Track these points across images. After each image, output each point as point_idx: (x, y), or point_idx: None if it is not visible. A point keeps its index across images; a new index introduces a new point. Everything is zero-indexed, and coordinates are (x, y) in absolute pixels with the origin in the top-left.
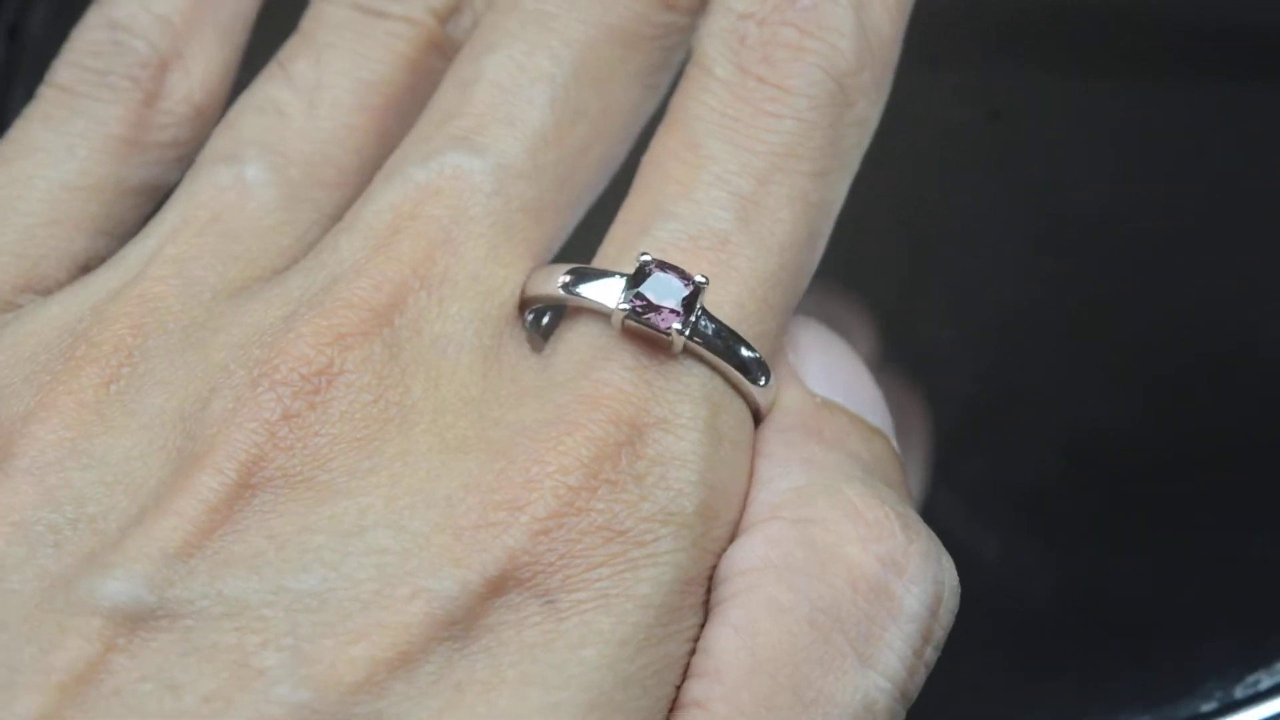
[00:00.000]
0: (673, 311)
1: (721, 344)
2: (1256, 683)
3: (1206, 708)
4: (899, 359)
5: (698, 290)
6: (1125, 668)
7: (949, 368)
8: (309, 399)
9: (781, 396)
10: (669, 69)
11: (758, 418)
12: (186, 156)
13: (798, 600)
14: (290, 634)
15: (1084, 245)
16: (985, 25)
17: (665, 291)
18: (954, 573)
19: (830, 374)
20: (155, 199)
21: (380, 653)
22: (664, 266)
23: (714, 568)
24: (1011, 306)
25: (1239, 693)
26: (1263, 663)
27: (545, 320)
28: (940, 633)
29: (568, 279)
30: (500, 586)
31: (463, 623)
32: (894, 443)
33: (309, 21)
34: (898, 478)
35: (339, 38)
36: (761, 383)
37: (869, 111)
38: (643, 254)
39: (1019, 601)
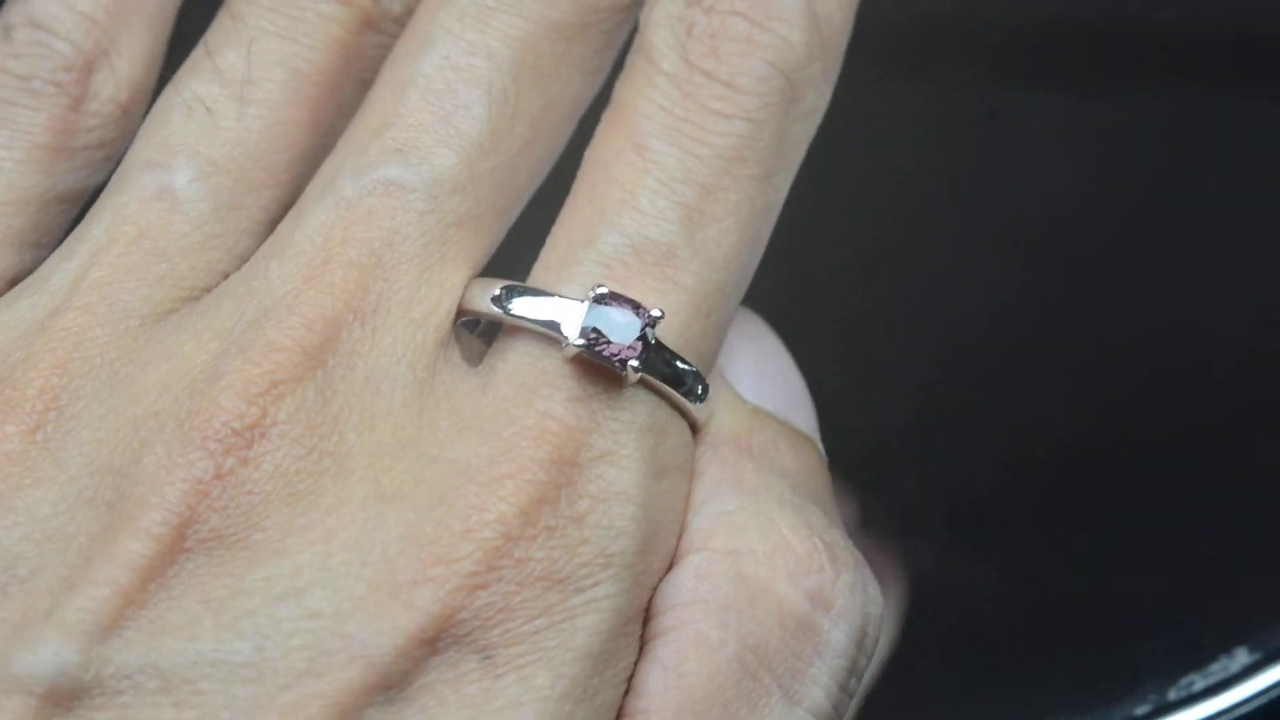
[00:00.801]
0: (629, 348)
1: (668, 370)
2: (1190, 685)
3: (1141, 710)
4: (888, 356)
5: (653, 323)
6: (1060, 671)
7: (898, 373)
8: (241, 455)
9: (715, 406)
10: (611, 51)
11: (694, 431)
12: (114, 157)
13: (726, 637)
14: (227, 707)
15: (1071, 247)
16: (981, 28)
17: (620, 328)
18: (879, 600)
19: (759, 376)
20: (81, 203)
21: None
22: (618, 299)
23: (650, 601)
24: (985, 308)
25: (1173, 695)
26: (1196, 665)
27: (479, 325)
28: (865, 663)
29: (504, 295)
30: (436, 643)
31: (399, 684)
32: (819, 446)
33: (238, 2)
34: (824, 489)
35: (270, 22)
36: (699, 399)
37: (817, 103)
38: (598, 286)
39: (957, 607)
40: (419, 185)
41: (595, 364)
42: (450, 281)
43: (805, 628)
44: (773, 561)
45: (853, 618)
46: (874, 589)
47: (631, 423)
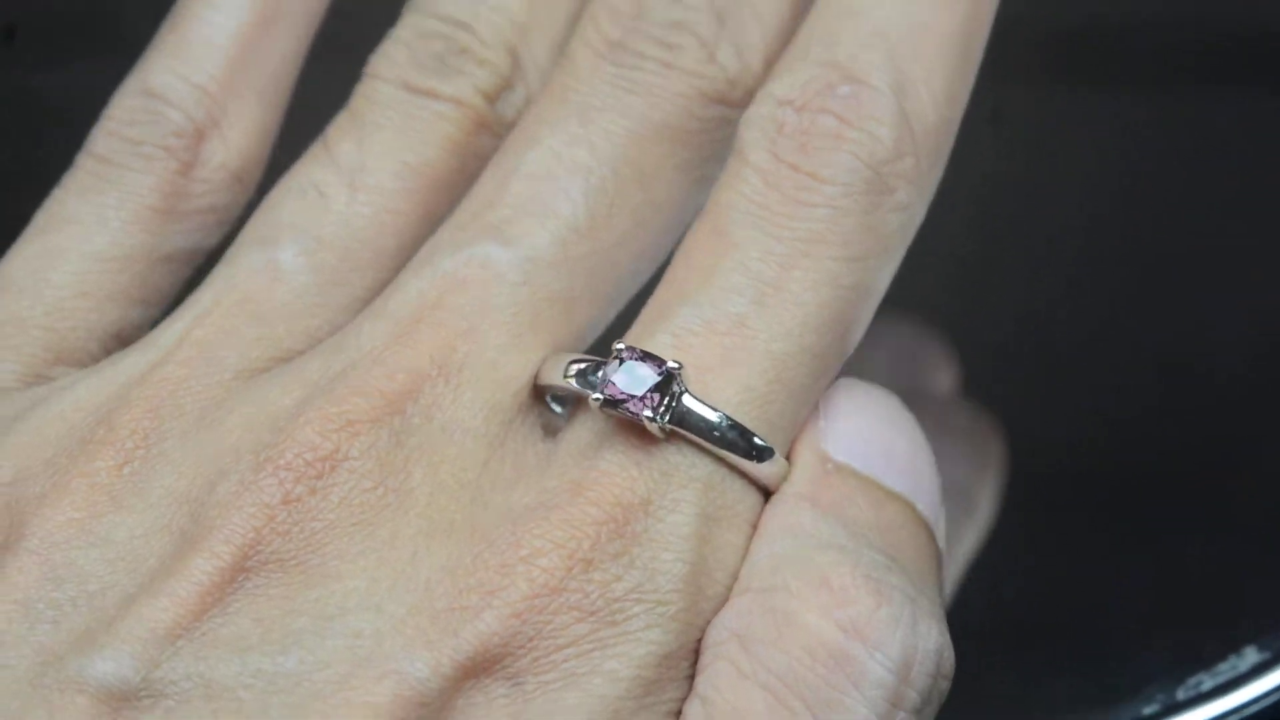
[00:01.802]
0: (642, 400)
1: (709, 426)
2: (1199, 684)
3: (1149, 710)
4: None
5: (670, 376)
6: (1069, 671)
7: (898, 374)
8: (310, 484)
9: (795, 464)
10: (721, 160)
11: (769, 493)
12: (226, 221)
13: (755, 668)
14: (263, 714)
15: (1074, 248)
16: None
17: (633, 380)
18: (935, 637)
19: (855, 437)
20: (193, 264)
21: None
22: (637, 355)
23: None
24: (985, 310)
25: (1181, 694)
26: (1204, 665)
27: (566, 408)
28: (915, 696)
29: (570, 367)
30: (471, 670)
31: (433, 705)
32: (918, 507)
33: (357, 99)
34: (910, 545)
35: (386, 118)
36: (761, 459)
37: (912, 197)
38: (618, 344)
39: (962, 606)
40: (513, 260)
41: (637, 425)
42: (536, 354)
43: (838, 658)
44: (804, 595)
45: (892, 650)
46: (927, 626)
47: (671, 475)
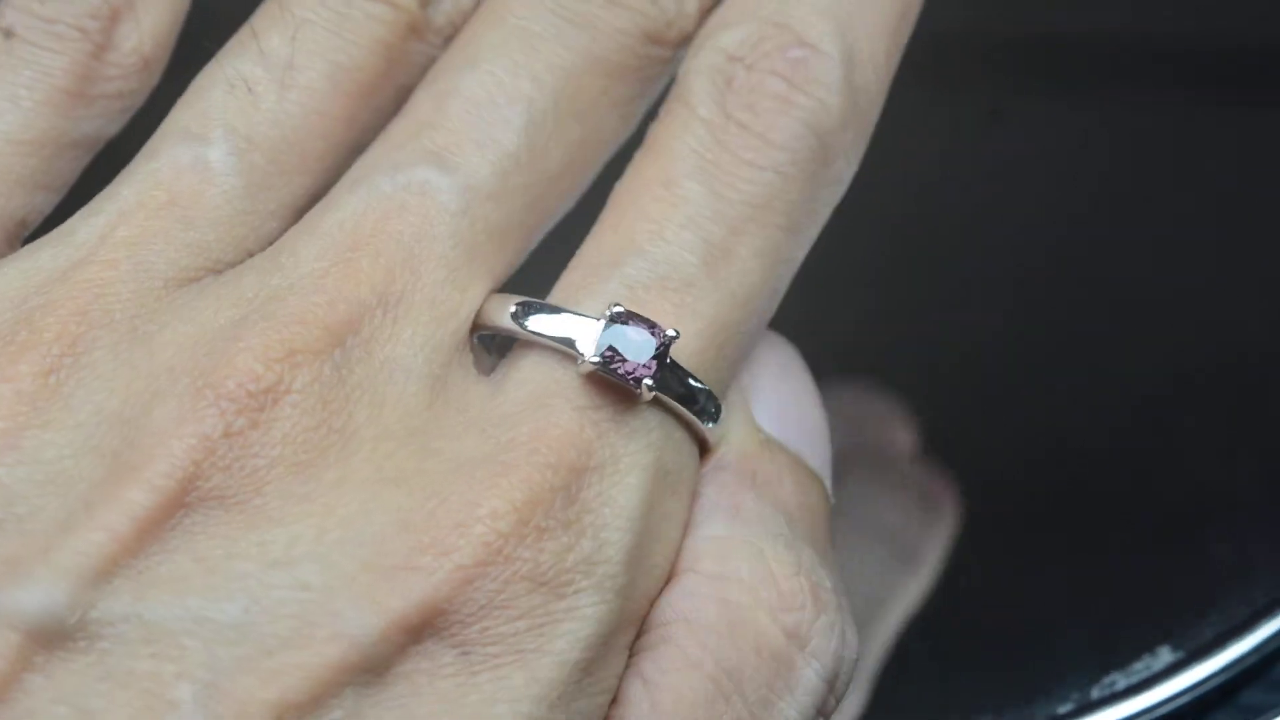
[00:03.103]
0: (644, 366)
1: (682, 390)
2: (1113, 684)
3: (1063, 709)
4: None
5: (667, 345)
6: (982, 669)
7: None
8: (252, 416)
9: (728, 430)
10: (647, 99)
11: (703, 452)
12: (131, 109)
13: (704, 658)
14: (207, 667)
15: (1073, 251)
16: (984, 31)
17: (637, 346)
18: (855, 645)
19: (781, 407)
20: (95, 151)
21: (293, 695)
22: (635, 318)
23: (643, 615)
24: (985, 310)
25: (1095, 693)
26: (1118, 664)
27: (495, 340)
28: (834, 704)
29: (520, 311)
30: (419, 633)
31: (378, 668)
32: (828, 486)
33: None
34: (823, 530)
35: (317, 15)
36: (712, 421)
37: (846, 170)
38: (614, 305)
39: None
40: (453, 188)
41: (608, 380)
42: (473, 289)
43: (780, 661)
44: (756, 592)
45: (826, 659)
46: (852, 635)
47: (637, 438)
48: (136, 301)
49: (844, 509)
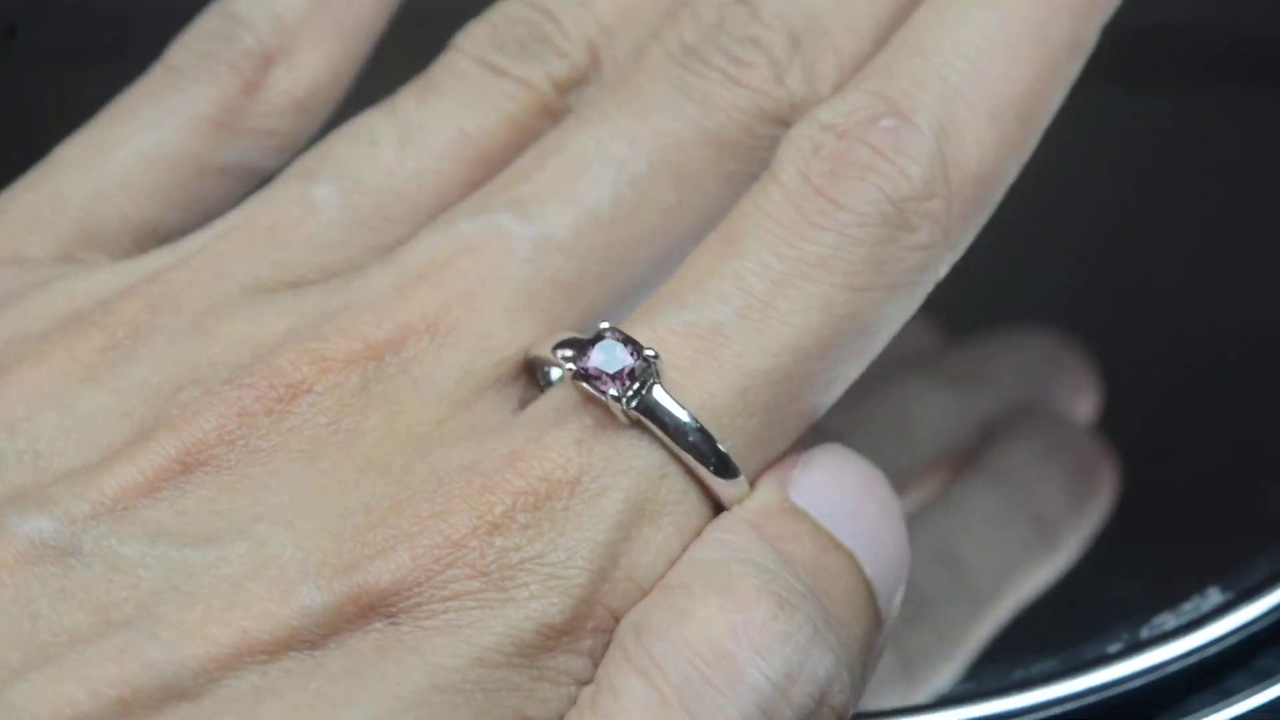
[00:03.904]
0: (613, 378)
1: (675, 422)
2: (1162, 624)
3: (1113, 648)
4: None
5: (646, 364)
6: (1034, 610)
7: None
8: (268, 405)
9: (754, 495)
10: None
11: (721, 509)
12: (287, 148)
13: (639, 654)
14: (155, 597)
15: (1077, 246)
16: None
17: (610, 359)
18: (827, 665)
19: (823, 492)
20: (247, 183)
21: (229, 638)
22: (619, 336)
23: (606, 627)
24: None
25: (1145, 633)
26: (1169, 604)
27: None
28: (790, 714)
29: (560, 344)
30: (356, 608)
31: (311, 633)
32: (864, 567)
33: (435, 67)
34: (841, 594)
35: (454, 87)
36: (723, 474)
37: (935, 239)
38: (603, 325)
39: None
40: (526, 235)
41: (603, 404)
42: (527, 331)
43: (721, 656)
44: (705, 597)
45: (776, 660)
46: (822, 653)
47: (617, 462)
48: (207, 300)
49: (995, 465)
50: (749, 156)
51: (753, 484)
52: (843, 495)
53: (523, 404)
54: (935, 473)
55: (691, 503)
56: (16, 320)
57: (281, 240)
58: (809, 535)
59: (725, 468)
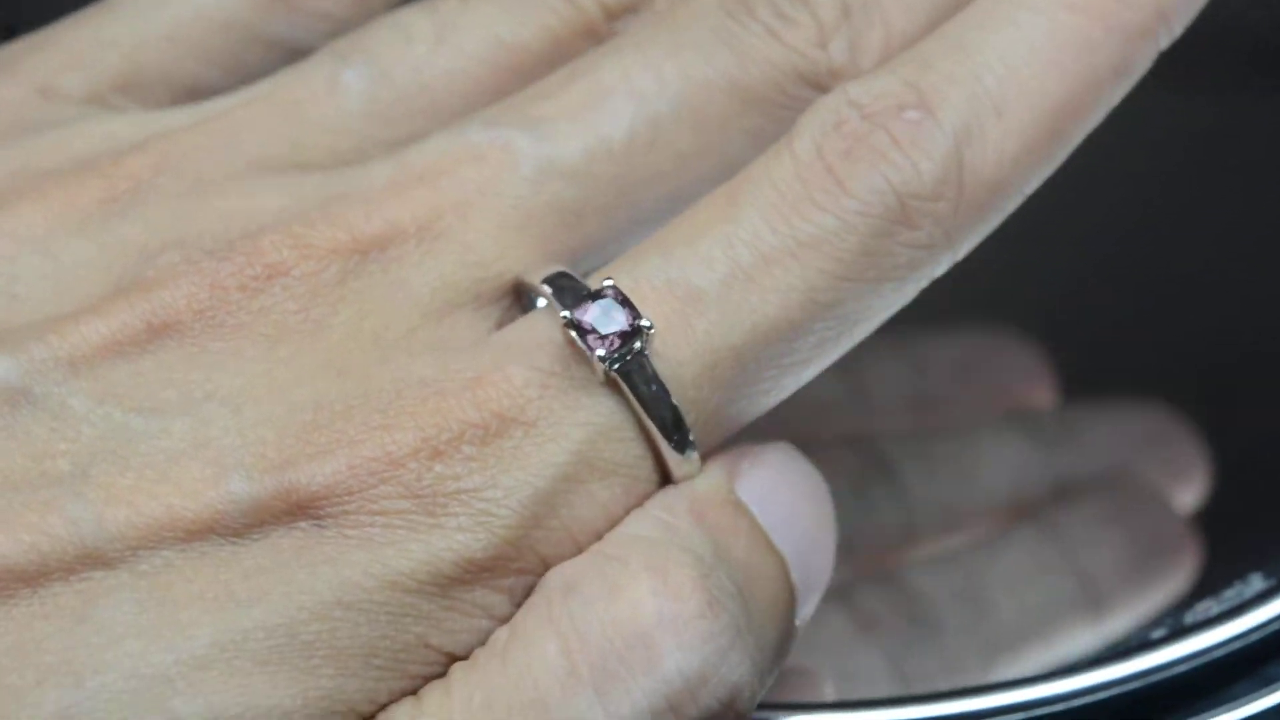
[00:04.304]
0: (602, 338)
1: (649, 392)
2: (1206, 610)
3: (1156, 634)
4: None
5: (638, 331)
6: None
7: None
8: (242, 281)
9: (701, 476)
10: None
11: (666, 480)
12: (337, 33)
13: (561, 616)
14: (92, 457)
15: (1081, 245)
16: None
17: (605, 319)
18: (742, 672)
19: (768, 493)
20: (292, 60)
21: (154, 511)
22: (620, 299)
23: (533, 570)
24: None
25: (1188, 619)
26: (1211, 590)
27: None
28: (694, 713)
29: (550, 277)
30: (284, 506)
31: (235, 523)
32: (792, 573)
33: None
34: (766, 598)
35: None
36: (680, 449)
37: (935, 239)
38: (607, 279)
39: None
40: (533, 155)
41: (578, 350)
42: (516, 252)
43: (641, 639)
44: (639, 576)
45: (693, 658)
46: (739, 659)
47: (575, 411)
48: (212, 168)
49: (1053, 520)
50: (776, 114)
51: (703, 458)
52: (785, 498)
53: (500, 325)
54: (991, 518)
55: (644, 469)
56: (29, 154)
57: (300, 118)
58: (747, 533)
59: (684, 443)
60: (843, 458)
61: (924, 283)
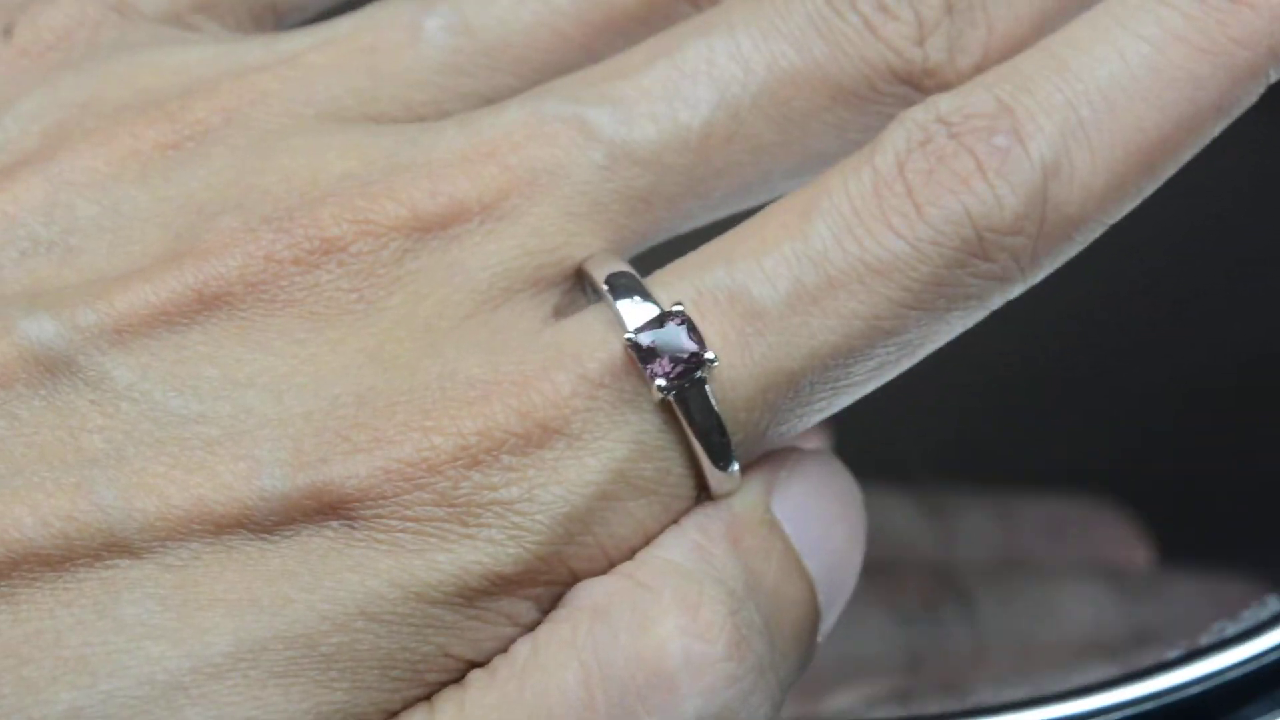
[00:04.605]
0: (666, 365)
1: (703, 419)
2: (1221, 630)
3: (1172, 654)
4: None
5: (700, 363)
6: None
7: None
8: (298, 254)
9: (737, 494)
10: (877, 131)
11: (703, 491)
12: None
13: (584, 644)
14: (128, 437)
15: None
16: None
17: (670, 343)
18: (765, 714)
19: (802, 507)
20: None
21: (184, 502)
22: (687, 325)
23: (562, 583)
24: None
25: (1204, 639)
26: (1228, 611)
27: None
28: None
29: (614, 275)
30: (321, 504)
31: (264, 517)
32: (819, 596)
33: None
34: (791, 624)
35: None
36: (724, 468)
37: (1009, 274)
38: (677, 303)
39: None
40: (608, 139)
41: (633, 366)
42: (581, 238)
43: (662, 679)
44: (671, 611)
45: (714, 701)
46: (759, 702)
47: (620, 427)
48: (281, 119)
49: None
50: (864, 108)
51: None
52: (819, 514)
53: (557, 311)
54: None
55: (684, 487)
56: (99, 84)
57: (376, 68)
58: (779, 557)
59: (728, 463)
60: (920, 577)
61: (992, 309)
